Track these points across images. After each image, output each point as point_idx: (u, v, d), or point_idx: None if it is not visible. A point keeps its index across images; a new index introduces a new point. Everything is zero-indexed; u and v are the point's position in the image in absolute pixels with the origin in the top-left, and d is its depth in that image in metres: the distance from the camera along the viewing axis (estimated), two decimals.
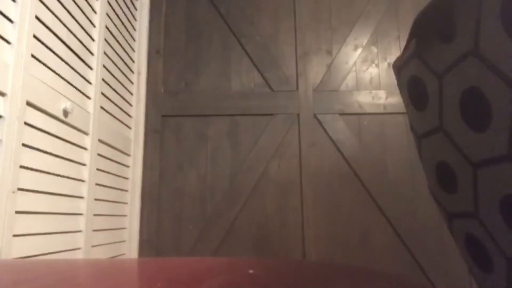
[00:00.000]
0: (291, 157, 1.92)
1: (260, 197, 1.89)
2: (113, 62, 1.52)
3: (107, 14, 1.46)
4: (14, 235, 0.91)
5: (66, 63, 1.16)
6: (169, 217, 1.88)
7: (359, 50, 2.02)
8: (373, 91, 1.97)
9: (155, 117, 1.95)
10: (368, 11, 2.05)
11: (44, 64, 1.05)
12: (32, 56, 0.99)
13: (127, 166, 1.69)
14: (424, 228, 1.82)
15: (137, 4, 1.86)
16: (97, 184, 1.34)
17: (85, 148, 1.27)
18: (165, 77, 2.00)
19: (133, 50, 1.79)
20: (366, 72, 2.01)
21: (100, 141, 1.38)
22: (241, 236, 1.85)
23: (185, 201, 1.89)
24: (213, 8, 2.07)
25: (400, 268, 1.80)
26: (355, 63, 2.01)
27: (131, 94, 1.75)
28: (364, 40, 2.02)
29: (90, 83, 1.31)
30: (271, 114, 1.96)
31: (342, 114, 1.94)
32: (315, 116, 1.94)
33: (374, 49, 2.03)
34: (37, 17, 1.01)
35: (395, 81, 0.68)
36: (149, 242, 1.84)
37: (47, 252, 1.04)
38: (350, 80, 1.99)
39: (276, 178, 1.90)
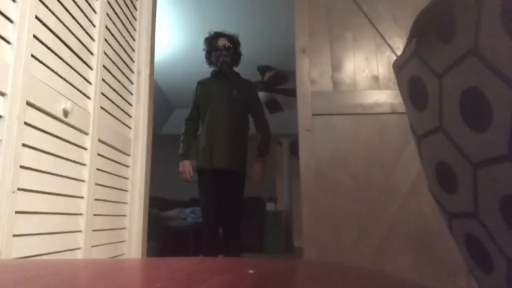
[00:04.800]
0: None
1: (417, 196, 1.85)
2: (113, 62, 1.52)
3: (107, 14, 1.46)
4: (14, 235, 0.91)
5: (66, 63, 1.16)
6: (326, 216, 1.87)
7: None
8: None
9: (306, 116, 1.95)
10: None
11: (44, 64, 1.05)
12: (32, 56, 0.99)
13: (127, 166, 1.69)
14: None
15: (137, 4, 1.86)
16: (96, 184, 1.34)
17: (85, 148, 1.27)
18: (312, 76, 2.01)
19: (133, 50, 1.79)
20: None
21: (100, 141, 1.38)
22: (400, 236, 1.83)
23: (340, 200, 1.88)
24: (355, 7, 2.06)
25: None
26: None
27: (131, 94, 1.75)
28: None
29: (90, 83, 1.31)
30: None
31: None
32: None
33: None
34: (37, 17, 1.01)
35: None
36: (310, 241, 1.85)
37: (47, 252, 1.04)
38: None
39: None
